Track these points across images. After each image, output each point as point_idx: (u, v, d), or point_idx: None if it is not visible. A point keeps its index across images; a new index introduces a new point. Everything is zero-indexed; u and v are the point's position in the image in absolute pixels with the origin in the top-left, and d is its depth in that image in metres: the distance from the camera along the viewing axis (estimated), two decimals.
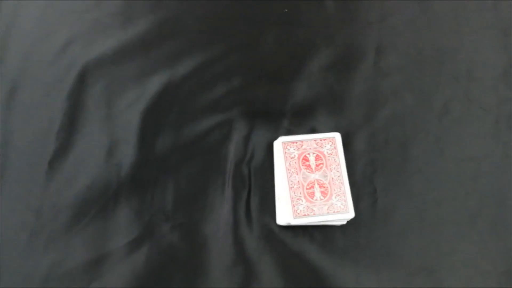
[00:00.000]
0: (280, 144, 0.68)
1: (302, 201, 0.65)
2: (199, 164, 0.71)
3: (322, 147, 0.68)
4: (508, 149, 0.72)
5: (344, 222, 0.66)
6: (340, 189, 0.66)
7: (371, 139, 0.73)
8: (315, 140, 0.68)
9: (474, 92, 0.76)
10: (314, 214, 0.64)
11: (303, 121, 0.74)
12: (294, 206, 0.65)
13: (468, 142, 0.73)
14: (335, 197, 0.65)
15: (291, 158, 0.67)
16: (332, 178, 0.66)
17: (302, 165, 0.67)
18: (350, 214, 0.65)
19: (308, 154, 0.68)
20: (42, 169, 0.69)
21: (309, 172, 0.67)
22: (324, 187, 0.66)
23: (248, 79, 0.77)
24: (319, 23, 0.81)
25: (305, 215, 0.64)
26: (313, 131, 0.73)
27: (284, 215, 0.65)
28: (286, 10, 0.81)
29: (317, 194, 0.66)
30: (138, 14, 0.81)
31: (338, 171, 0.67)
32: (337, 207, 0.65)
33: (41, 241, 0.65)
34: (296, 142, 0.68)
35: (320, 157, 0.68)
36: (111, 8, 0.81)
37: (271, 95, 0.76)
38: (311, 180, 0.66)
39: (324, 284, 0.64)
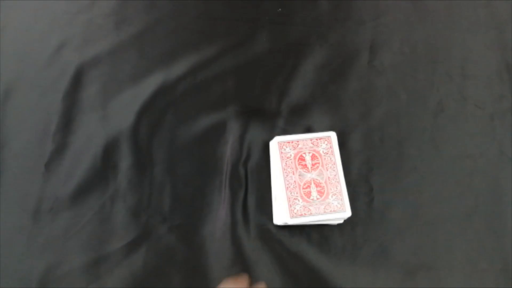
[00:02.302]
0: (276, 144, 0.68)
1: (298, 200, 0.65)
2: (196, 164, 0.70)
3: (318, 147, 0.68)
4: (503, 146, 0.72)
5: (341, 221, 0.67)
6: (337, 188, 0.66)
7: (366, 138, 0.73)
8: (311, 140, 0.69)
9: (468, 90, 0.76)
10: (311, 213, 0.64)
11: (298, 121, 0.74)
12: (290, 206, 0.65)
13: (463, 139, 0.73)
14: (332, 196, 0.65)
15: (287, 158, 0.67)
16: (329, 177, 0.67)
17: (298, 165, 0.67)
18: (347, 213, 0.65)
19: (304, 153, 0.68)
20: (39, 171, 0.69)
21: (305, 172, 0.67)
22: (320, 186, 0.66)
23: (243, 79, 0.76)
24: (313, 22, 0.81)
25: (301, 214, 0.64)
26: (308, 130, 0.73)
27: (281, 215, 0.66)
28: (280, 9, 0.81)
29: (314, 194, 0.66)
30: (132, 15, 0.81)
31: (334, 170, 0.67)
32: (333, 206, 0.65)
33: (38, 243, 0.65)
34: (292, 142, 0.68)
35: (316, 156, 0.68)
36: (104, 9, 0.81)
37: (266, 94, 0.75)
38: (307, 180, 0.67)
39: (322, 283, 0.64)
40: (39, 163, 0.70)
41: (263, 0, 0.82)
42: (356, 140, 0.72)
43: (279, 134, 0.71)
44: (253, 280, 0.64)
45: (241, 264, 0.65)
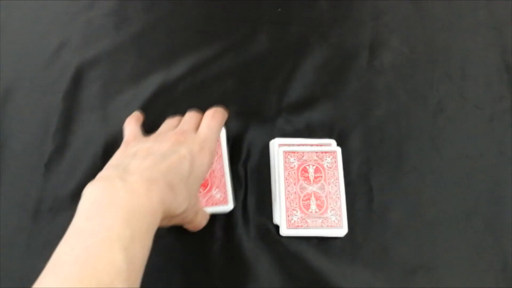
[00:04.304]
0: (278, 149, 0.69)
1: (297, 212, 0.65)
2: None
3: (322, 160, 0.68)
4: (502, 146, 0.73)
5: (342, 235, 0.67)
6: (336, 203, 0.66)
7: (366, 138, 0.73)
8: (316, 153, 0.69)
9: (468, 90, 0.76)
10: (308, 226, 0.65)
11: (298, 120, 0.74)
12: (288, 216, 0.65)
13: (463, 140, 0.73)
14: (330, 211, 0.66)
15: (291, 168, 0.68)
16: (329, 192, 0.67)
17: (301, 176, 0.67)
18: (344, 230, 0.65)
19: (308, 165, 0.68)
20: (39, 171, 0.69)
21: (307, 184, 0.67)
22: (320, 200, 0.66)
23: (242, 79, 0.77)
24: (312, 22, 0.81)
25: (298, 226, 0.65)
26: (308, 130, 0.73)
27: (278, 223, 0.66)
28: (280, 9, 0.81)
29: (313, 207, 0.66)
30: (131, 15, 0.81)
31: (336, 186, 0.67)
32: (331, 222, 0.65)
33: (38, 243, 0.65)
34: (297, 153, 0.69)
35: (320, 170, 0.68)
36: (104, 9, 0.81)
37: (265, 94, 0.76)
38: (308, 192, 0.67)
39: (321, 283, 0.64)
40: (39, 163, 0.70)
41: (262, 0, 0.82)
42: (356, 139, 0.72)
43: (279, 134, 0.71)
44: (251, 279, 0.64)
45: (240, 264, 0.65)
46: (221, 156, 0.68)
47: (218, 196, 0.66)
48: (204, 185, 0.66)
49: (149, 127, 0.72)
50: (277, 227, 0.67)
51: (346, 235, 0.67)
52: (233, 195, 0.67)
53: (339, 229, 0.66)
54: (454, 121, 0.74)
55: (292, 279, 0.65)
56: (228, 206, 0.66)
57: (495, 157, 0.72)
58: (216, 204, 0.66)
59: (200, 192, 0.66)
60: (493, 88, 0.77)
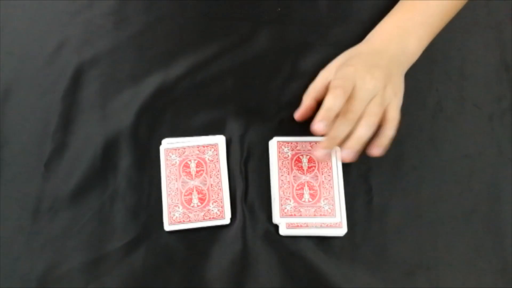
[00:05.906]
0: (275, 144, 0.69)
1: (290, 201, 0.66)
2: None
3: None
4: (502, 146, 0.73)
5: (341, 235, 0.67)
6: (329, 193, 0.66)
7: None
8: (310, 143, 0.69)
9: (467, 90, 0.76)
10: (301, 215, 0.65)
11: (297, 120, 0.73)
12: (282, 205, 0.65)
13: (462, 139, 0.73)
14: (323, 201, 0.66)
15: (284, 158, 0.68)
16: (322, 181, 0.67)
17: (294, 166, 0.68)
18: (343, 229, 0.66)
19: (302, 155, 0.68)
20: (38, 171, 0.69)
21: (300, 174, 0.67)
22: (313, 189, 0.67)
23: (242, 79, 0.76)
24: (312, 22, 0.81)
25: (292, 215, 0.65)
26: (307, 129, 0.72)
27: (274, 215, 0.66)
28: (279, 9, 0.81)
29: (306, 196, 0.66)
30: (131, 15, 0.80)
31: (329, 175, 0.67)
32: (324, 211, 0.66)
33: (38, 243, 0.66)
34: (291, 143, 0.69)
35: (313, 159, 0.68)
36: (104, 9, 0.81)
37: (265, 94, 0.75)
38: (301, 182, 0.67)
39: (321, 283, 0.64)
40: (39, 162, 0.70)
41: (262, 0, 0.82)
42: None
43: (278, 134, 0.71)
44: (250, 279, 0.64)
45: (240, 263, 0.65)
46: (219, 170, 0.69)
47: (215, 210, 0.67)
48: (202, 199, 0.67)
49: (149, 127, 0.72)
50: (277, 227, 0.67)
51: (346, 235, 0.67)
52: (230, 209, 0.67)
53: (339, 228, 0.66)
54: (454, 121, 0.74)
55: (292, 279, 0.65)
56: (225, 220, 0.67)
57: (495, 157, 0.72)
58: (213, 218, 0.67)
59: (197, 206, 0.66)
60: (493, 87, 0.76)
